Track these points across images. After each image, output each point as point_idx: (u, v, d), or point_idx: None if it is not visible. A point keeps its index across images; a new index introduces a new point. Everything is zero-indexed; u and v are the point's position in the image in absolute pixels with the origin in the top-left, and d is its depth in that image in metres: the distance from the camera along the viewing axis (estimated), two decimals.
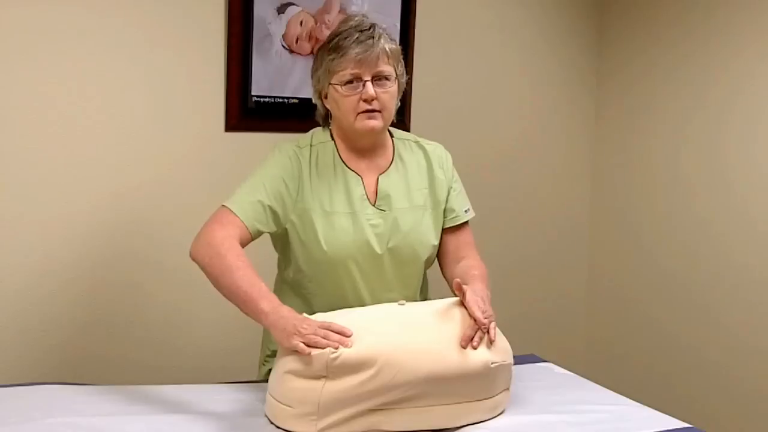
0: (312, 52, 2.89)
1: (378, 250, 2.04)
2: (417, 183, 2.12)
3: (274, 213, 2.01)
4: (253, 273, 1.88)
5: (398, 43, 2.07)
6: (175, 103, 2.73)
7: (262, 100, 2.84)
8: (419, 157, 2.16)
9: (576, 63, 3.47)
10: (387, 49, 1.98)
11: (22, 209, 2.55)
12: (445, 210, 2.15)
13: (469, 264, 2.10)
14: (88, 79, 2.60)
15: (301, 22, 2.87)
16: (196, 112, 2.77)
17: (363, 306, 1.99)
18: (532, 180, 3.43)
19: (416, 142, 2.19)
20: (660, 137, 3.25)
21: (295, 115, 2.90)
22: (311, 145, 2.09)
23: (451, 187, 2.16)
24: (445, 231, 2.16)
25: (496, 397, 1.89)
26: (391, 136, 2.17)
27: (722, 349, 3.03)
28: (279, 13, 2.82)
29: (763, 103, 2.86)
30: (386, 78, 1.98)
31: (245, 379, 2.27)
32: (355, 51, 1.95)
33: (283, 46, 2.85)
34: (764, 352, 2.88)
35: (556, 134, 3.46)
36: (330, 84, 2.01)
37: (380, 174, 2.09)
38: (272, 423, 1.80)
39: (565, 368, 2.33)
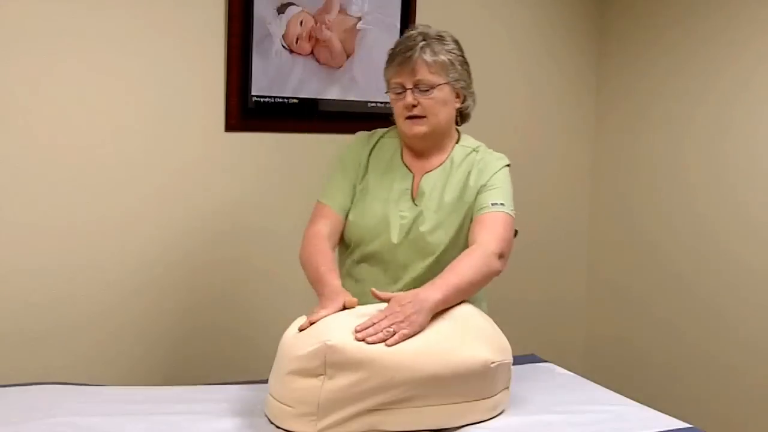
0: (312, 52, 2.90)
1: (395, 239, 2.12)
2: (454, 186, 2.16)
3: (353, 187, 2.20)
4: (323, 261, 2.05)
5: (458, 53, 2.16)
6: (175, 103, 2.73)
7: (262, 100, 2.84)
8: (470, 162, 2.19)
9: (576, 63, 3.47)
10: (428, 60, 2.08)
11: (16, 211, 2.55)
12: (472, 208, 2.14)
13: (463, 252, 2.06)
14: (87, 79, 2.60)
15: (301, 22, 2.87)
16: (196, 112, 2.77)
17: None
18: (532, 180, 3.43)
19: (476, 149, 2.23)
20: (660, 137, 3.26)
21: (295, 115, 2.90)
22: (381, 137, 2.26)
23: (484, 186, 2.15)
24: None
25: (496, 396, 1.89)
26: (458, 141, 2.22)
27: (723, 349, 3.03)
28: (279, 13, 2.82)
29: (764, 102, 2.86)
30: (429, 86, 2.08)
31: (245, 380, 2.27)
32: (397, 61, 2.12)
33: (283, 46, 2.85)
34: (766, 351, 2.88)
35: (556, 134, 3.46)
36: (388, 89, 2.17)
37: (426, 173, 2.18)
38: (272, 423, 1.80)
39: (565, 368, 2.33)
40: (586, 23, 3.47)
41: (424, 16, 3.07)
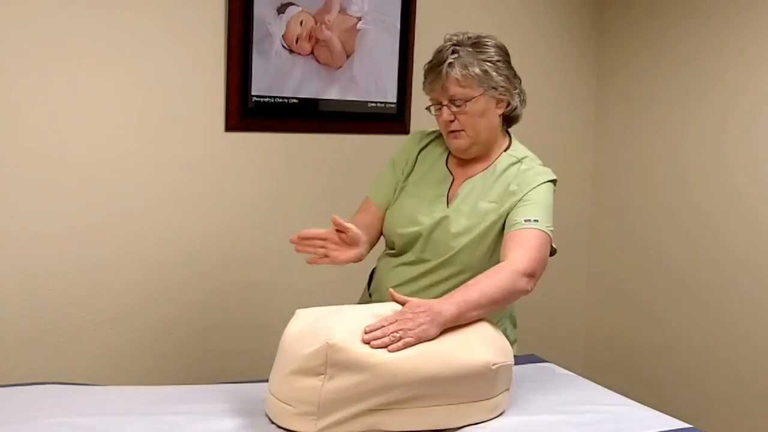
0: (312, 52, 2.89)
1: (418, 237, 2.13)
2: (492, 194, 2.14)
3: (396, 184, 2.24)
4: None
5: (497, 58, 2.11)
6: (175, 103, 2.73)
7: (262, 100, 2.84)
8: (512, 173, 2.16)
9: (576, 63, 3.47)
10: (458, 76, 2.06)
11: (15, 211, 2.55)
12: (505, 224, 2.12)
13: (490, 269, 2.02)
14: (87, 79, 2.60)
15: (301, 22, 2.87)
16: (196, 112, 2.77)
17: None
18: None
19: (520, 160, 2.19)
20: (660, 137, 3.26)
21: (295, 115, 2.90)
22: (435, 137, 2.26)
23: (519, 201, 2.11)
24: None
25: (497, 397, 1.89)
26: (507, 149, 2.21)
27: (723, 349, 3.03)
28: (279, 13, 2.82)
29: (764, 102, 2.86)
30: (463, 100, 2.08)
31: (245, 379, 2.27)
32: (429, 80, 2.13)
33: (283, 46, 2.85)
34: (766, 350, 2.88)
35: (556, 134, 3.46)
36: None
37: (467, 178, 2.17)
38: (272, 422, 1.80)
39: (565, 368, 2.33)
40: (586, 23, 3.47)
41: (424, 16, 3.07)
